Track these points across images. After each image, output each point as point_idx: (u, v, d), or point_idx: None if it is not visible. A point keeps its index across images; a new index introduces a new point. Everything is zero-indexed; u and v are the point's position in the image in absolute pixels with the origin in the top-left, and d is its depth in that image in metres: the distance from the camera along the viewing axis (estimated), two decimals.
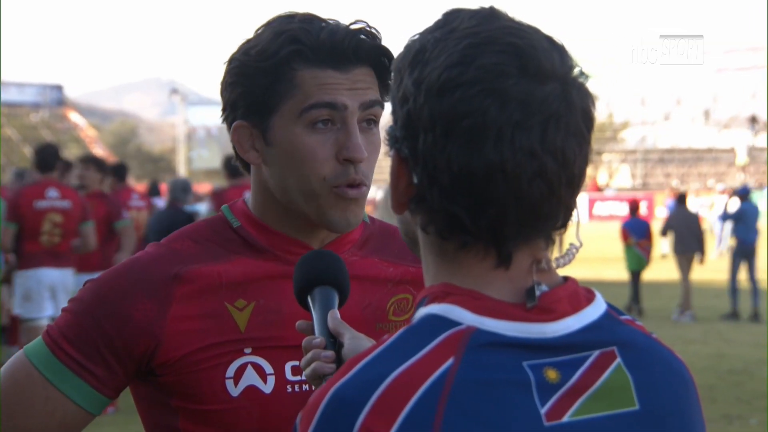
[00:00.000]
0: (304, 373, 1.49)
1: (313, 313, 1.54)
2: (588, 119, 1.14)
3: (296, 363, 1.64)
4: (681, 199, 15.40)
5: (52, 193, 8.26)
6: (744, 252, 14.49)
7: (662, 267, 21.12)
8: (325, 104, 1.62)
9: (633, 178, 63.29)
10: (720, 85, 67.81)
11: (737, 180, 52.65)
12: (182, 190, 9.44)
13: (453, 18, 1.15)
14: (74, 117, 70.84)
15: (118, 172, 11.40)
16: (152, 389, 1.66)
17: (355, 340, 1.48)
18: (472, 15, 1.15)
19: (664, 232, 15.05)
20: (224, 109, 1.70)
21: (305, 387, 1.64)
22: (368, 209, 1.88)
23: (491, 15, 1.15)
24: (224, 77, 1.68)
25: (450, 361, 1.08)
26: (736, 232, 14.90)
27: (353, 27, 1.65)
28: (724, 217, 15.58)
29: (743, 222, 14.69)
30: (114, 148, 73.48)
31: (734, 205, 15.91)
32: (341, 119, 1.63)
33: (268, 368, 1.64)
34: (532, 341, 1.11)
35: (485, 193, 1.10)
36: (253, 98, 1.64)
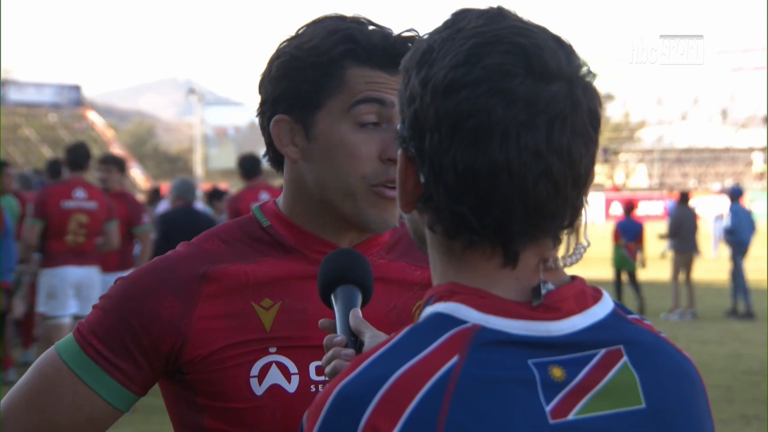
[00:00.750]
0: (325, 370, 1.50)
1: (335, 311, 1.54)
2: (594, 119, 1.14)
3: (320, 363, 1.64)
4: (683, 198, 15.46)
5: (80, 193, 8.34)
6: (742, 251, 14.75)
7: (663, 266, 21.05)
8: (373, 99, 1.64)
9: (650, 177, 63.08)
10: (737, 84, 67.52)
11: (754, 179, 52.37)
12: (192, 190, 9.45)
13: (461, 18, 1.16)
14: (92, 117, 71.11)
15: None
16: (179, 387, 1.68)
17: (375, 339, 1.48)
18: (479, 15, 1.15)
19: (672, 234, 15.04)
20: (264, 103, 1.70)
21: None
22: None
23: (498, 14, 1.15)
24: (268, 71, 1.69)
25: (455, 359, 1.08)
26: (735, 233, 15.08)
27: (405, 34, 1.67)
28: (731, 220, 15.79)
29: (740, 224, 14.97)
30: (131, 148, 73.71)
31: (726, 205, 16.29)
32: (387, 118, 1.64)
33: (293, 368, 1.65)
34: (538, 339, 1.11)
35: (490, 193, 1.10)
36: (300, 93, 1.65)
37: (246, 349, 1.64)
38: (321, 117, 1.65)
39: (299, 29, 1.71)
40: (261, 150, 1.81)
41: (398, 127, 1.19)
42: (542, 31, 1.15)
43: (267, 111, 1.70)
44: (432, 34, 1.17)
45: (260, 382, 1.64)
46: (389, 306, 1.72)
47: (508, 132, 1.09)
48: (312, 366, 1.66)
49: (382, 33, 1.66)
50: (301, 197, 1.71)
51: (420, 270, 1.76)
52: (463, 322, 1.11)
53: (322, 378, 1.66)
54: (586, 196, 1.16)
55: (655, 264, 22.20)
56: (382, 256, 1.75)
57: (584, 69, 1.15)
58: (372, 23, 1.69)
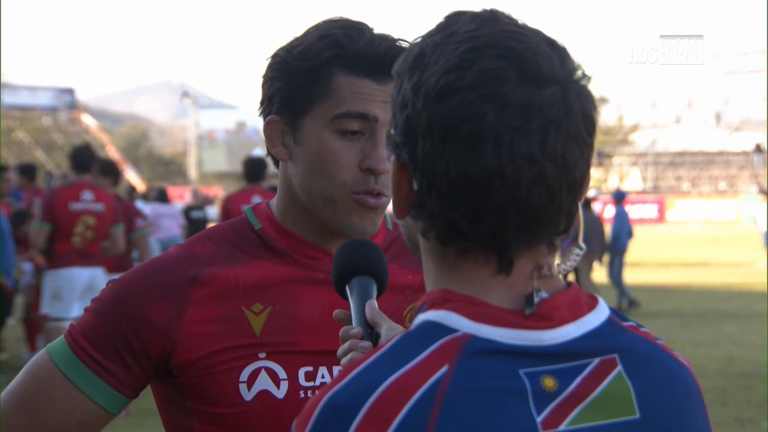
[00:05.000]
0: (341, 362, 1.50)
1: (350, 302, 1.54)
2: (589, 123, 1.12)
3: (310, 369, 1.66)
4: (586, 203, 15.79)
5: (87, 195, 8.39)
6: (621, 254, 15.58)
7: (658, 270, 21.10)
8: (357, 114, 1.64)
9: (644, 181, 63.11)
10: (731, 87, 67.59)
11: (748, 183, 52.43)
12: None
13: (454, 21, 1.14)
14: (86, 120, 70.99)
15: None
16: (170, 390, 1.68)
17: (392, 331, 1.47)
18: (472, 18, 1.14)
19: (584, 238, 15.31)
20: (262, 102, 1.72)
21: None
22: None
23: (491, 18, 1.14)
24: (266, 72, 1.71)
25: (444, 369, 1.07)
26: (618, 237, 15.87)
27: (399, 41, 1.66)
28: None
29: (622, 228, 15.92)
30: (125, 152, 73.56)
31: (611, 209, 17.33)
32: (370, 130, 1.65)
33: (282, 373, 1.65)
34: (529, 349, 1.09)
35: (483, 199, 1.09)
36: (289, 95, 1.67)
37: (236, 354, 1.64)
38: (307, 121, 1.66)
39: (303, 33, 1.72)
40: (253, 152, 1.81)
41: (391, 132, 1.17)
42: (536, 35, 1.13)
43: (265, 111, 1.71)
44: (424, 38, 1.15)
45: (249, 388, 1.64)
46: (381, 310, 1.70)
47: (501, 138, 1.08)
48: (301, 371, 1.66)
49: (370, 39, 1.66)
50: (291, 200, 1.72)
51: (412, 273, 1.76)
52: (454, 330, 1.10)
53: (311, 384, 1.66)
54: (581, 200, 1.15)
55: (649, 268, 22.24)
56: None
57: (579, 72, 1.13)
58: (368, 28, 1.68)
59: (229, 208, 9.00)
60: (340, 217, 1.67)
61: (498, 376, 1.08)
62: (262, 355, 1.65)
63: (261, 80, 1.73)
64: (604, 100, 67.03)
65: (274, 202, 1.75)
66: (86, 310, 1.69)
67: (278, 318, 1.66)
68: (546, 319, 1.11)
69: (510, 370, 1.08)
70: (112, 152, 57.93)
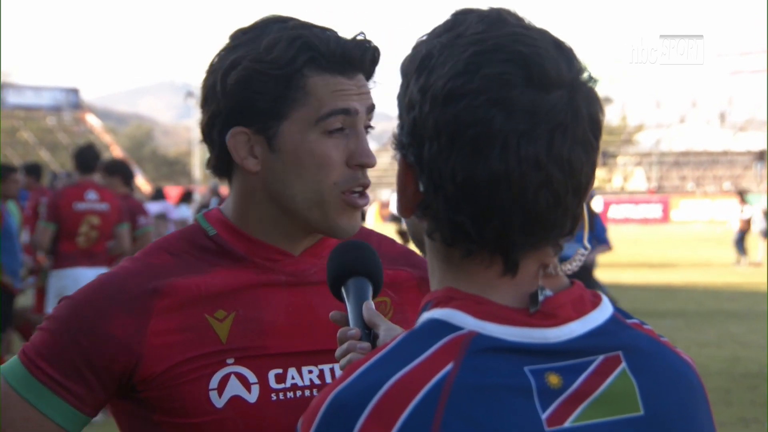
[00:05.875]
0: (339, 364, 1.50)
1: (347, 304, 1.54)
2: (595, 126, 1.13)
3: (279, 371, 1.65)
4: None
5: (91, 195, 8.41)
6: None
7: (658, 270, 21.14)
8: (341, 111, 1.63)
9: (648, 181, 63.07)
10: (735, 87, 67.52)
11: (753, 183, 52.39)
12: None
13: (460, 21, 1.14)
14: (90, 120, 71.04)
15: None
16: (133, 405, 1.65)
17: (390, 331, 1.48)
18: (479, 19, 1.13)
19: None
20: (215, 115, 1.66)
21: (289, 395, 1.64)
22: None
23: (499, 19, 1.13)
24: (221, 83, 1.64)
25: (449, 366, 1.07)
26: None
27: (356, 36, 1.66)
28: None
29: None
30: (129, 152, 73.66)
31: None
32: (351, 125, 1.65)
33: (252, 377, 1.64)
34: (534, 346, 1.10)
35: (490, 203, 1.09)
36: (261, 104, 1.63)
37: (203, 363, 1.62)
38: (286, 128, 1.64)
39: (242, 36, 1.66)
40: None
41: (396, 131, 1.18)
42: (542, 37, 1.13)
43: (218, 124, 1.66)
44: (430, 38, 1.15)
45: (220, 395, 1.62)
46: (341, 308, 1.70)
47: (508, 142, 1.08)
48: (271, 374, 1.65)
49: (335, 38, 1.66)
50: (256, 207, 1.68)
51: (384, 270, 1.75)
52: (459, 328, 1.10)
53: (281, 386, 1.64)
54: (585, 203, 1.15)
55: (654, 267, 22.22)
56: None
57: (585, 75, 1.13)
58: (318, 26, 1.67)
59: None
60: (329, 219, 1.65)
61: (503, 374, 1.08)
62: (230, 360, 1.63)
63: (206, 93, 1.66)
64: (608, 100, 66.98)
65: (228, 208, 1.72)
66: (39, 329, 1.65)
67: (243, 323, 1.65)
68: (551, 316, 1.12)
69: (515, 368, 1.08)
70: (117, 152, 57.96)
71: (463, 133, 1.09)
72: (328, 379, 1.67)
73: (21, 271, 9.03)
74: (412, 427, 1.05)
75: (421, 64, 1.13)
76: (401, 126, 1.16)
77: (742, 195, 24.85)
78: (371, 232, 1.81)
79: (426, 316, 1.14)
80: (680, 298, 16.58)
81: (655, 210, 47.39)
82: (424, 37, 1.17)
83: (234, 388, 1.62)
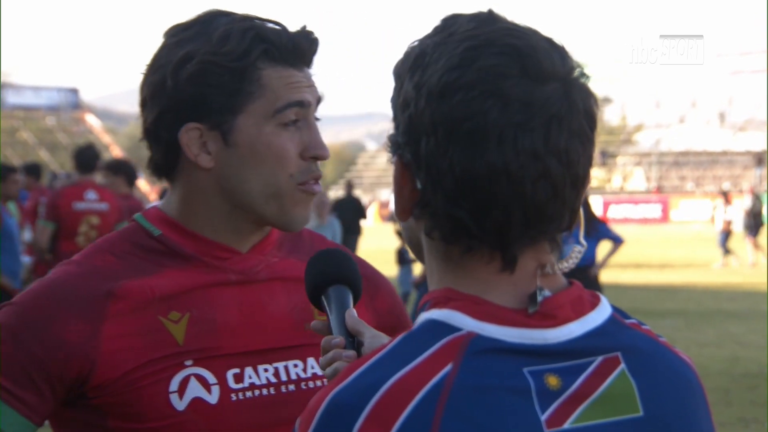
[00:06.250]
0: (324, 372, 1.49)
1: (328, 312, 1.53)
2: (591, 119, 1.13)
3: (237, 371, 1.64)
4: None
5: (91, 195, 8.43)
6: None
7: (658, 271, 21.15)
8: (296, 103, 1.63)
9: (647, 181, 63.08)
10: (735, 87, 67.53)
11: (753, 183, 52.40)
12: None
13: (451, 23, 1.15)
14: (90, 120, 71.04)
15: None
16: (83, 413, 1.60)
17: (376, 339, 1.48)
18: (470, 19, 1.15)
19: None
20: (164, 112, 1.62)
21: (248, 394, 1.63)
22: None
23: (489, 18, 1.15)
24: (171, 80, 1.61)
25: (448, 367, 1.07)
26: None
27: (302, 28, 1.67)
28: None
29: None
30: (129, 152, 73.62)
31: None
32: (304, 116, 1.65)
33: (211, 378, 1.62)
34: (533, 347, 1.10)
35: (489, 196, 1.09)
36: (215, 99, 1.61)
37: (162, 366, 1.59)
38: (242, 122, 1.62)
39: (184, 32, 1.63)
40: None
41: (390, 134, 1.18)
42: (534, 33, 1.14)
43: (168, 120, 1.62)
44: (423, 40, 1.16)
45: (181, 397, 1.59)
46: (290, 305, 1.70)
47: (505, 134, 1.08)
48: (229, 374, 1.63)
49: (286, 30, 1.65)
50: (206, 204, 1.66)
51: None
52: (458, 329, 1.10)
53: (240, 385, 1.63)
54: (583, 197, 1.15)
55: (653, 268, 22.23)
56: (274, 255, 1.73)
57: (578, 70, 1.14)
58: (262, 18, 1.66)
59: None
60: (286, 211, 1.64)
61: (502, 375, 1.08)
62: (189, 362, 1.61)
63: (154, 90, 1.63)
64: (607, 100, 67.01)
65: (169, 206, 1.69)
66: None
67: (198, 324, 1.62)
68: (549, 317, 1.11)
69: (514, 369, 1.08)
70: (116, 152, 57.95)
71: (460, 126, 1.09)
72: (284, 378, 1.66)
73: (21, 272, 9.03)
74: (411, 428, 1.04)
75: (414, 63, 1.14)
76: (396, 126, 1.16)
77: (726, 195, 24.91)
78: (303, 229, 1.79)
79: (425, 316, 1.13)
80: (680, 298, 16.59)
81: (654, 210, 47.38)
82: (416, 42, 1.17)
83: (195, 389, 1.60)
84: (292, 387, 1.67)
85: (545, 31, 1.16)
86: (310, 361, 1.69)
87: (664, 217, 46.81)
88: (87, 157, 8.62)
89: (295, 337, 1.69)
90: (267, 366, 1.66)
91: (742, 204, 24.59)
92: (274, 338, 1.67)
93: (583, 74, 1.14)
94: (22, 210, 10.39)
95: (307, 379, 1.68)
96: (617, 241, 10.25)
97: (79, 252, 1.67)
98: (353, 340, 1.49)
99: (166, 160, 1.67)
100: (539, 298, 1.12)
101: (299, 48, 1.65)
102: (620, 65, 57.45)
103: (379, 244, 23.59)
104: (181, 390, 1.60)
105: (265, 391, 1.65)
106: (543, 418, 1.08)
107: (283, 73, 1.63)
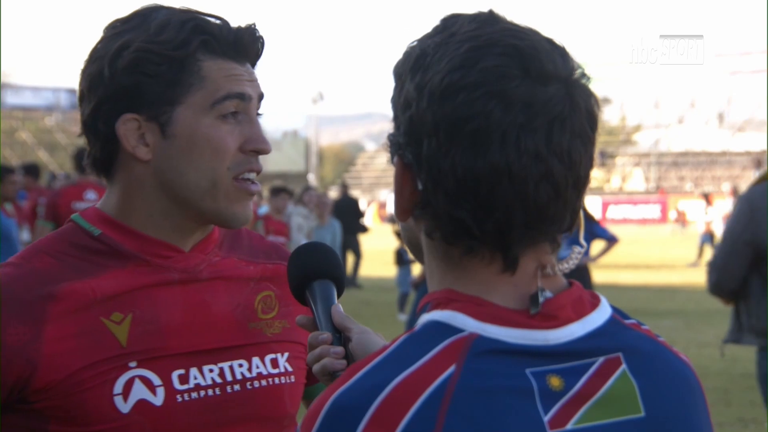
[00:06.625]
0: (313, 369, 1.48)
1: (313, 308, 1.52)
2: (592, 120, 1.13)
3: (182, 371, 1.61)
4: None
5: (90, 195, 8.46)
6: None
7: (656, 271, 21.12)
8: (236, 95, 1.61)
9: (646, 181, 63.09)
10: (734, 87, 67.55)
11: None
12: None
13: (452, 23, 1.15)
14: None
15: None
16: (22, 418, 1.57)
17: (363, 335, 1.48)
18: (471, 19, 1.14)
19: None
20: (102, 102, 1.60)
21: (193, 395, 1.61)
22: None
23: (490, 18, 1.14)
24: (109, 69, 1.59)
25: (451, 369, 1.07)
26: None
27: (248, 25, 1.66)
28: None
29: None
30: None
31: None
32: (245, 110, 1.63)
33: (156, 380, 1.59)
34: (535, 348, 1.10)
35: (491, 197, 1.09)
36: (153, 89, 1.59)
37: (105, 368, 1.56)
38: (180, 113, 1.60)
39: (123, 24, 1.62)
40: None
41: (390, 134, 1.17)
42: (535, 34, 1.14)
43: (105, 112, 1.60)
44: (423, 40, 1.16)
45: (125, 399, 1.57)
46: (234, 304, 1.69)
47: (508, 135, 1.08)
48: (174, 375, 1.61)
49: (227, 23, 1.64)
50: (145, 199, 1.64)
51: (253, 265, 1.73)
52: (460, 330, 1.10)
53: (185, 387, 1.61)
54: (584, 198, 1.15)
55: (652, 268, 22.23)
56: (216, 254, 1.71)
57: (579, 71, 1.14)
58: (204, 12, 1.65)
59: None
60: (223, 207, 1.62)
61: (505, 376, 1.08)
62: (133, 364, 1.58)
63: (92, 79, 1.61)
64: (607, 101, 67.02)
65: (107, 205, 1.67)
66: None
67: (141, 324, 1.60)
68: (551, 318, 1.11)
69: (517, 370, 1.08)
70: None
71: (463, 126, 1.09)
72: (229, 378, 1.65)
73: None
74: (415, 430, 1.04)
75: (415, 64, 1.14)
76: (397, 126, 1.16)
77: (707, 197, 24.94)
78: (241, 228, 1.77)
79: (426, 317, 1.13)
80: (679, 298, 16.59)
81: (653, 210, 47.38)
82: (415, 42, 1.17)
83: (139, 391, 1.58)
84: (237, 387, 1.65)
85: (545, 30, 1.16)
86: (255, 360, 1.68)
87: (663, 218, 46.81)
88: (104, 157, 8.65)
89: (239, 337, 1.67)
90: (212, 366, 1.64)
91: (723, 206, 24.65)
92: (219, 338, 1.65)
93: (583, 75, 1.14)
94: (19, 210, 10.38)
95: (252, 379, 1.67)
96: (611, 240, 10.25)
97: (16, 255, 1.65)
98: (340, 336, 1.49)
99: (104, 154, 1.64)
100: (541, 299, 1.12)
101: (241, 42, 1.63)
102: (619, 65, 57.49)
103: (378, 245, 23.59)
104: (126, 392, 1.57)
105: (210, 392, 1.63)
106: (546, 419, 1.08)
107: (224, 66, 1.61)
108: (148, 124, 1.61)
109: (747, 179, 56.53)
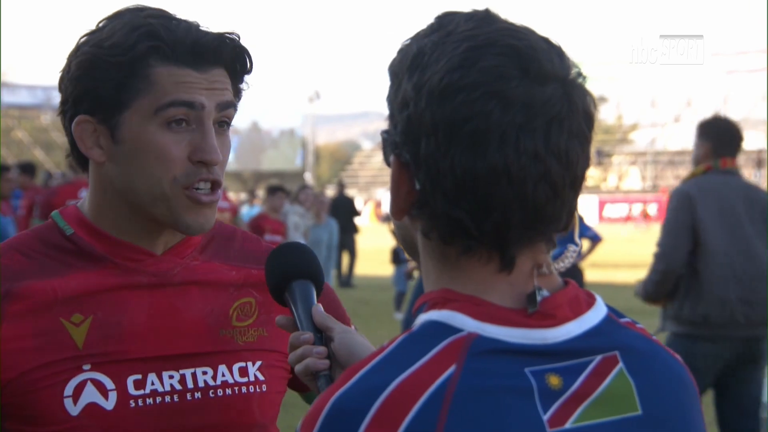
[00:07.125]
0: (295, 369, 1.47)
1: (293, 308, 1.52)
2: (589, 120, 1.13)
3: (138, 377, 1.60)
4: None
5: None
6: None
7: None
8: (182, 103, 1.57)
9: (643, 180, 63.15)
10: (731, 87, 67.62)
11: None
12: None
13: (447, 21, 1.15)
14: None
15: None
16: None
17: (345, 334, 1.48)
18: (467, 18, 1.14)
19: None
20: (65, 102, 1.62)
21: (149, 401, 1.59)
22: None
23: (487, 17, 1.14)
24: (67, 69, 1.60)
25: (451, 369, 1.07)
26: None
27: (225, 32, 1.62)
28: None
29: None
30: None
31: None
32: (197, 119, 1.59)
33: (109, 384, 1.58)
34: (534, 347, 1.10)
35: (489, 197, 1.09)
36: (102, 93, 1.58)
37: (58, 369, 1.56)
38: (127, 118, 1.58)
39: (98, 23, 1.62)
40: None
41: (384, 133, 1.17)
42: (532, 33, 1.14)
43: (68, 111, 1.61)
44: (419, 39, 1.15)
45: (75, 402, 1.55)
46: (206, 310, 1.66)
47: (507, 135, 1.08)
48: (129, 380, 1.59)
49: (188, 28, 1.60)
50: (110, 201, 1.63)
51: (235, 269, 1.71)
52: (459, 330, 1.10)
53: (140, 392, 1.59)
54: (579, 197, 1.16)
55: (646, 267, 22.22)
56: (195, 257, 1.68)
57: (575, 71, 1.14)
58: (179, 18, 1.62)
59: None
60: (177, 215, 1.59)
61: (505, 376, 1.08)
62: (86, 366, 1.57)
63: (60, 78, 1.62)
64: (603, 99, 67.04)
65: (84, 204, 1.67)
66: None
67: (102, 327, 1.58)
68: (549, 317, 1.12)
69: (516, 370, 1.09)
70: None
71: (461, 127, 1.09)
72: (190, 385, 1.62)
73: None
74: (417, 430, 1.04)
75: (413, 63, 1.13)
76: (393, 125, 1.15)
77: None
78: (235, 230, 1.77)
79: (424, 318, 1.13)
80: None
81: (650, 209, 47.40)
82: (409, 40, 1.17)
83: (90, 395, 1.56)
84: (198, 395, 1.63)
85: (540, 29, 1.16)
86: (221, 368, 1.65)
87: (660, 217, 46.85)
88: (83, 156, 8.63)
89: (208, 344, 1.65)
90: (173, 372, 1.62)
91: None
92: (184, 344, 1.63)
93: (580, 74, 1.15)
94: (9, 209, 10.35)
95: (215, 387, 1.64)
96: (595, 239, 10.25)
97: None
98: (321, 336, 1.48)
99: (74, 153, 1.65)
100: (538, 298, 1.12)
101: (200, 48, 1.58)
102: (615, 64, 57.52)
103: (374, 244, 23.58)
104: (76, 395, 1.56)
105: (168, 398, 1.61)
106: (545, 418, 1.08)
107: (176, 72, 1.57)
108: (100, 127, 1.60)
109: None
